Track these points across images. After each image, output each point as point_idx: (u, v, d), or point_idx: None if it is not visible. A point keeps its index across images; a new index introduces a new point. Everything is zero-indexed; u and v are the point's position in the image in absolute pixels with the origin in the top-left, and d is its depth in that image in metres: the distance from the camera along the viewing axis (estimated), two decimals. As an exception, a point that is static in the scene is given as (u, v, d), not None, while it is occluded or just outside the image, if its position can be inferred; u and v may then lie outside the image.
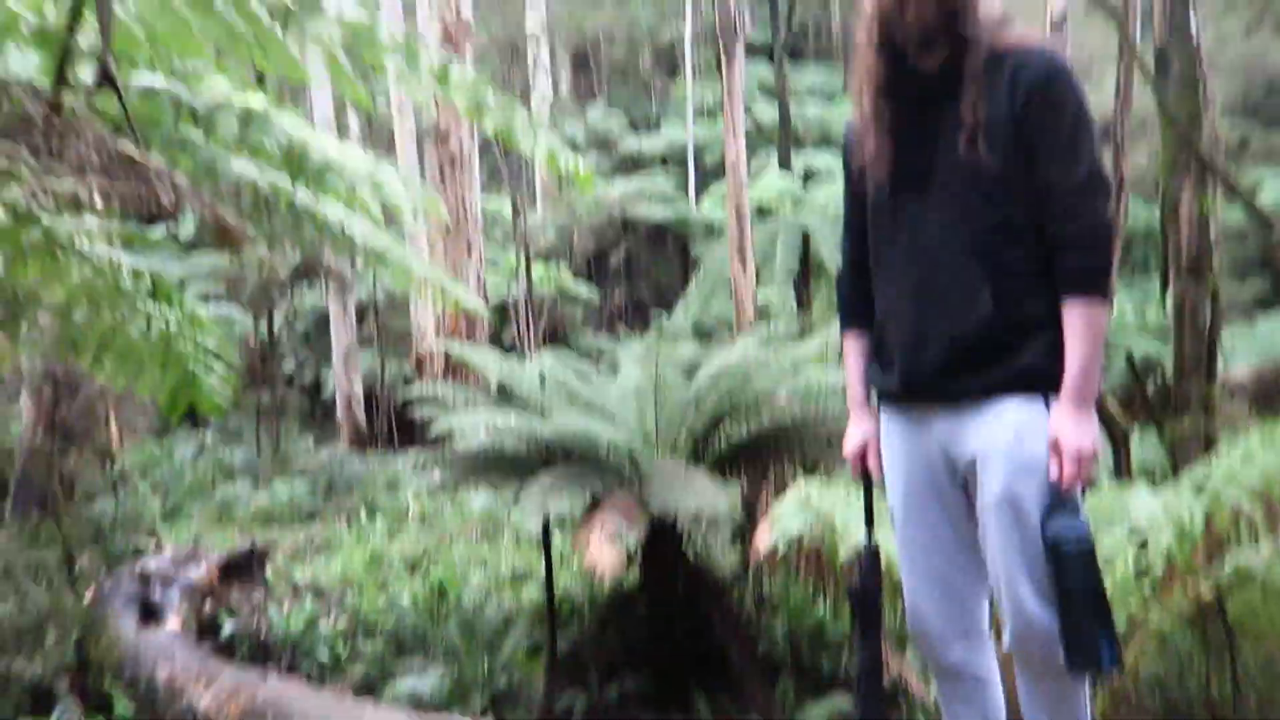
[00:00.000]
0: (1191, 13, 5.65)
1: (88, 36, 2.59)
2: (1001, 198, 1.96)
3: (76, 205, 1.75)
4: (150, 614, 5.36)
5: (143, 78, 2.87)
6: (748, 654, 4.99)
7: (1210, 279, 5.23)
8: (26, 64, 2.66)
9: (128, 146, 2.01)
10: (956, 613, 2.13)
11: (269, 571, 6.17)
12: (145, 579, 5.64)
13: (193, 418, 13.18)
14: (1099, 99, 14.04)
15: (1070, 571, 1.87)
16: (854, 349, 2.29)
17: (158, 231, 15.75)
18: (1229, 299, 12.67)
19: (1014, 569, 1.96)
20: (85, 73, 2.69)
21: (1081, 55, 16.84)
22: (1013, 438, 1.95)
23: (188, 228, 16.99)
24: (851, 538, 3.34)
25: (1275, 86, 19.33)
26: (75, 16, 2.28)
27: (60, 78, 2.38)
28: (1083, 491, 1.95)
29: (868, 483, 2.28)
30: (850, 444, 2.29)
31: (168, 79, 2.91)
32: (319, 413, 16.48)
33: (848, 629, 4.94)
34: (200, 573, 5.79)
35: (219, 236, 1.97)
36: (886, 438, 2.21)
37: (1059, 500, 1.91)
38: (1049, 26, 13.15)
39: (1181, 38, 5.51)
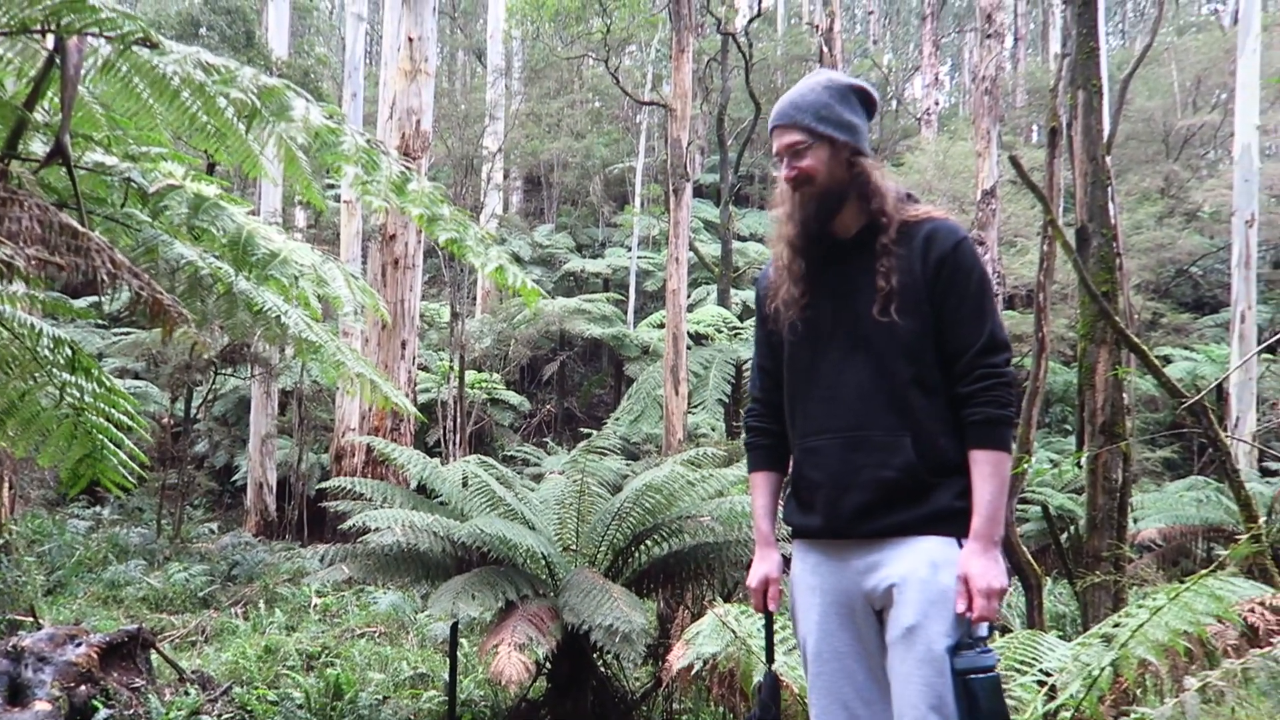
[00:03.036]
0: (1111, 197, 6.04)
1: (44, 111, 2.59)
2: (916, 355, 2.11)
3: (9, 270, 1.72)
4: (18, 694, 4.97)
5: (95, 155, 2.87)
6: (651, 779, 4.82)
7: (1123, 441, 5.43)
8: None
9: (69, 220, 2.00)
10: None
11: (153, 658, 5.80)
12: (17, 656, 5.24)
13: (92, 492, 12.62)
14: (1024, 268, 14.73)
15: (980, 702, 1.93)
16: (763, 489, 2.39)
17: (82, 303, 15.41)
18: (1141, 462, 13.21)
19: (920, 693, 2.00)
20: (36, 145, 2.68)
21: (1008, 225, 17.86)
22: (928, 571, 2.04)
23: (114, 302, 16.62)
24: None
25: (1183, 272, 20.66)
26: (37, 92, 2.29)
27: (10, 147, 2.37)
28: (991, 628, 2.03)
29: (768, 615, 2.39)
30: (754, 578, 2.37)
31: (122, 159, 2.91)
32: (227, 498, 15.91)
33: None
34: (79, 654, 5.41)
35: (153, 315, 1.94)
36: (801, 573, 2.27)
37: (968, 633, 2.00)
38: (979, 196, 13.99)
39: (1101, 218, 5.85)
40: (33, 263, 1.61)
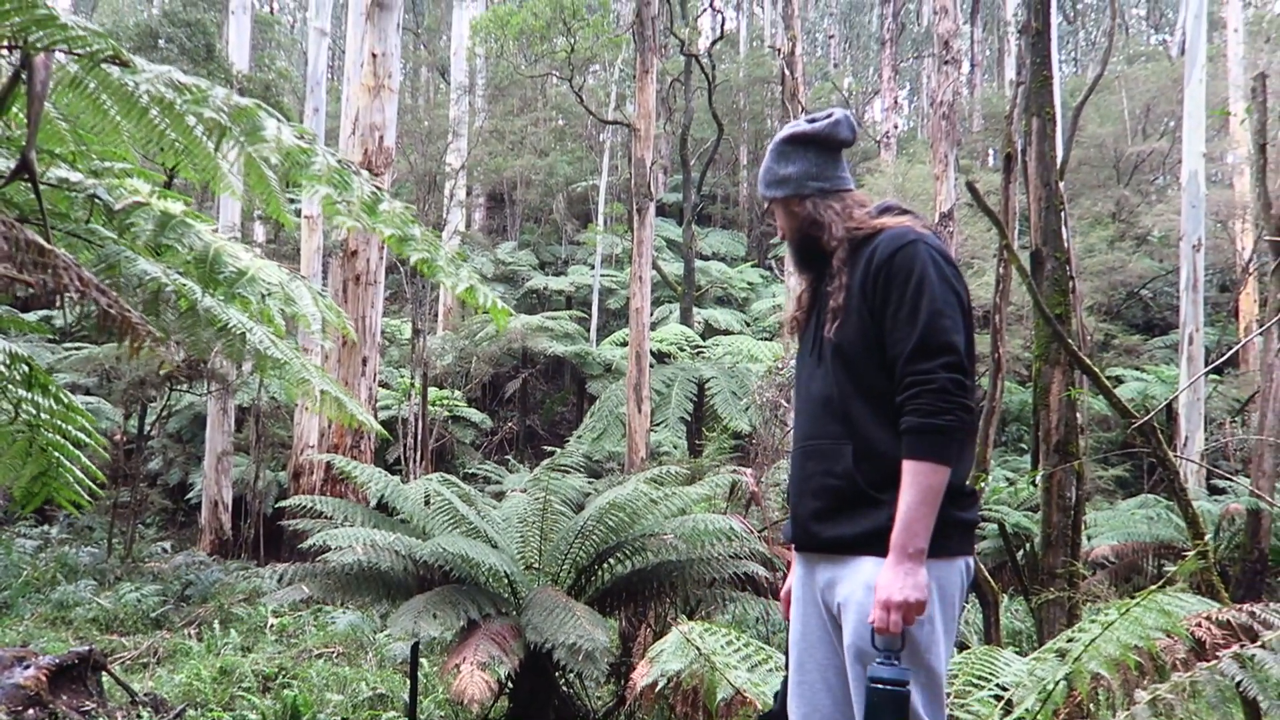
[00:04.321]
0: (1064, 221, 6.18)
1: (3, 125, 2.56)
2: (858, 367, 2.16)
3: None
4: (-38, 717, 4.85)
5: (59, 171, 2.84)
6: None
7: (1077, 460, 5.54)
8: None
9: (36, 237, 1.99)
10: None
11: (104, 680, 5.68)
12: (-39, 678, 5.12)
13: (40, 510, 12.32)
14: (982, 289, 15.01)
15: (876, 710, 1.96)
16: None
17: (32, 317, 15.12)
18: (1094, 480, 13.45)
19: (862, 715, 2.07)
20: (-3, 160, 2.65)
21: (965, 247, 18.17)
22: (863, 593, 2.09)
23: (63, 315, 16.32)
24: (734, 678, 3.35)
25: (1134, 294, 21.13)
26: (1, 107, 2.27)
27: (-29, 164, 2.35)
28: (902, 643, 2.01)
29: (789, 624, 2.44)
30: (784, 587, 2.49)
31: (86, 175, 2.89)
32: (181, 516, 15.62)
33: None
34: (27, 676, 5.28)
35: (121, 332, 1.91)
36: (793, 584, 2.37)
37: (884, 644, 2.00)
38: (937, 218, 14.23)
39: (1055, 242, 5.97)
40: (1, 280, 1.60)
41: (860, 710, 2.07)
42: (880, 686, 1.95)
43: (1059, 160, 6.25)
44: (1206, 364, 15.13)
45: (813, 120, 2.33)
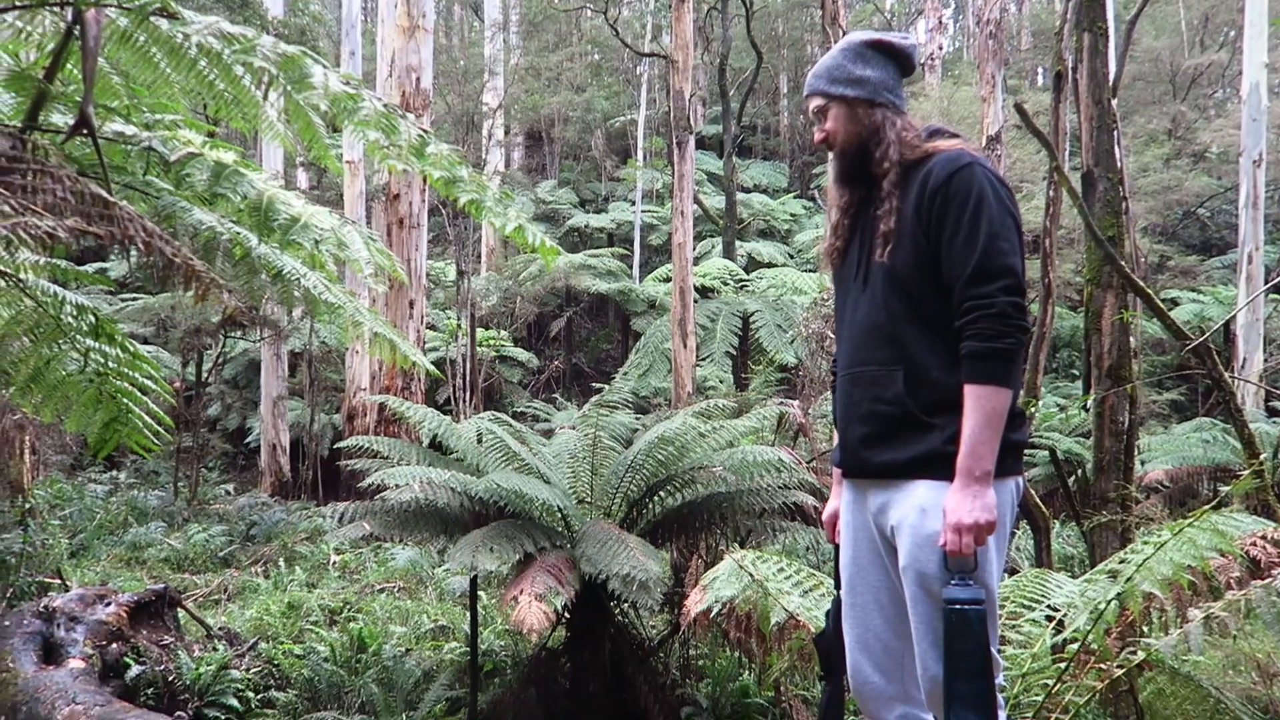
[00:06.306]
0: (1117, 140, 6.01)
1: (59, 81, 2.62)
2: (910, 291, 2.14)
3: (51, 241, 1.77)
4: (52, 653, 5.12)
5: (114, 125, 2.90)
6: (670, 718, 4.96)
7: (1130, 385, 5.47)
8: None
9: (100, 190, 2.05)
10: (896, 672, 2.24)
11: (180, 616, 5.95)
12: (49, 616, 5.40)
13: (108, 456, 12.77)
14: (1031, 213, 14.73)
15: (956, 630, 1.99)
16: None
17: (87, 269, 15.47)
18: (1147, 405, 13.27)
19: (920, 631, 2.11)
20: (54, 116, 2.71)
21: (1014, 170, 17.76)
22: (917, 516, 2.11)
23: (119, 267, 16.69)
24: (787, 603, 3.42)
25: (1190, 214, 20.54)
26: (56, 64, 2.31)
27: (32, 119, 2.40)
28: (975, 563, 2.02)
29: (836, 547, 2.46)
30: (826, 511, 2.52)
31: (140, 128, 2.94)
32: (241, 459, 16.10)
33: (771, 694, 4.98)
34: (109, 613, 5.56)
35: (185, 280, 1.99)
36: (842, 507, 2.38)
37: (957, 566, 2.02)
38: (984, 142, 13.89)
39: (1107, 162, 5.82)
40: (72, 233, 1.67)
41: (919, 628, 2.11)
42: (958, 607, 1.98)
43: (1111, 77, 6.06)
44: (1266, 283, 14.74)
45: (879, 33, 2.31)
